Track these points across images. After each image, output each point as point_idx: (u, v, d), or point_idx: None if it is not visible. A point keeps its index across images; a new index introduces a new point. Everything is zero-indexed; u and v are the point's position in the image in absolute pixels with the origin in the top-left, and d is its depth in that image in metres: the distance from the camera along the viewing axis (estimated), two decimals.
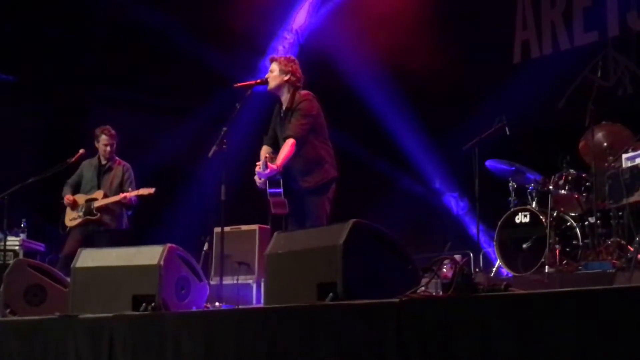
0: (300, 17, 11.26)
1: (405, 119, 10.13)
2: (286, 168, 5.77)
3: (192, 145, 10.18)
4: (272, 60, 6.05)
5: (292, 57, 6.14)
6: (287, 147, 5.75)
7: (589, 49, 8.91)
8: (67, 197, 7.85)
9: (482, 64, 9.76)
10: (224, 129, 5.87)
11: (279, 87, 5.95)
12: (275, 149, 6.03)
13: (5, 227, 7.88)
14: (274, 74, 5.96)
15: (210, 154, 5.87)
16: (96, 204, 7.78)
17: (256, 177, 5.90)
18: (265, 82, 6.05)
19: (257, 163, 5.90)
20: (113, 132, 7.99)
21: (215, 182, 6.20)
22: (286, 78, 5.95)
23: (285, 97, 5.98)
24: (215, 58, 10.76)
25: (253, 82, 6.09)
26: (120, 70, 11.29)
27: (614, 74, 8.62)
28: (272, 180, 5.76)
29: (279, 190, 5.77)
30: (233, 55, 10.69)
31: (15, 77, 11.20)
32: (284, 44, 11.26)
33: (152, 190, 7.68)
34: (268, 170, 5.67)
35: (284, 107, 6.00)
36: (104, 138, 7.96)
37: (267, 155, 5.82)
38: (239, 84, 6.12)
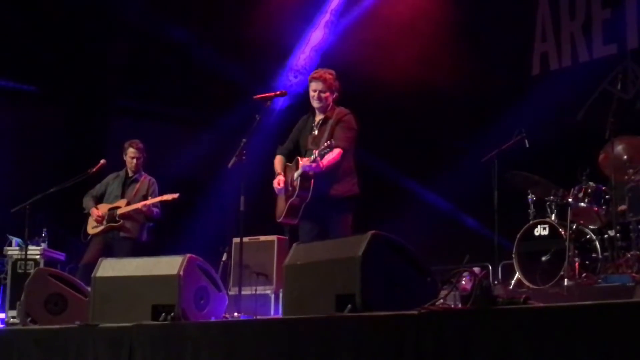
0: (318, 34, 11.28)
1: (424, 131, 10.14)
2: (328, 172, 5.78)
3: (212, 157, 10.23)
4: (319, 79, 5.96)
5: (332, 71, 6.12)
6: (335, 154, 5.75)
7: (608, 62, 8.89)
8: (93, 211, 7.89)
9: (501, 75, 9.76)
10: (243, 140, 5.90)
11: (328, 105, 5.98)
12: (289, 161, 6.05)
13: (26, 237, 7.95)
14: (325, 94, 5.93)
15: (229, 165, 5.90)
16: (119, 211, 7.83)
17: (275, 182, 5.93)
18: (285, 94, 6.09)
19: (278, 178, 5.92)
20: (141, 145, 8.05)
21: (234, 193, 6.22)
22: (334, 96, 6.00)
23: (325, 113, 6.00)
24: (235, 70, 10.82)
25: (272, 93, 6.13)
26: (141, 82, 11.38)
27: (633, 87, 8.60)
28: (305, 180, 5.76)
29: (307, 193, 5.76)
30: (252, 67, 10.74)
31: (38, 88, 11.32)
32: (303, 60, 11.28)
33: (175, 195, 7.73)
34: (314, 165, 5.63)
35: (318, 118, 6.01)
36: (131, 151, 8.02)
37: (300, 158, 5.81)
38: (259, 96, 6.15)
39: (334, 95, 5.99)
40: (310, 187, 5.77)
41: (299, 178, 5.78)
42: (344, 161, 5.83)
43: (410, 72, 9.99)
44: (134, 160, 8.02)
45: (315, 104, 5.98)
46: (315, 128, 5.99)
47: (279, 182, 5.95)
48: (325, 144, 5.65)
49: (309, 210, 5.81)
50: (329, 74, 6.03)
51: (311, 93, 5.98)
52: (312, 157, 5.67)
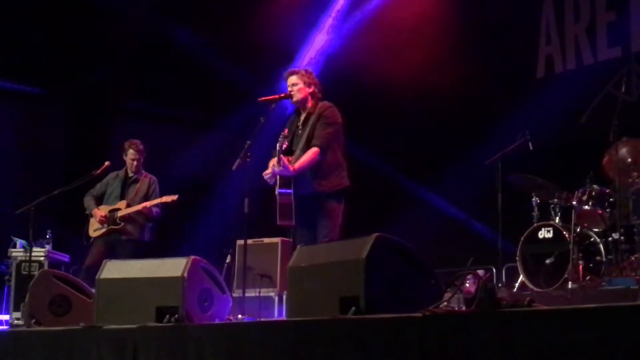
0: (323, 37, 11.28)
1: (428, 133, 10.13)
2: (302, 173, 5.79)
3: (216, 159, 10.25)
4: (292, 74, 6.07)
5: (310, 69, 6.20)
6: (310, 154, 5.78)
7: (612, 64, 8.86)
8: (96, 212, 7.90)
9: (506, 78, 9.75)
10: (248, 142, 5.91)
11: (305, 99, 6.00)
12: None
13: (30, 238, 7.96)
14: (299, 86, 5.99)
15: (234, 167, 5.92)
16: (119, 214, 7.84)
17: (265, 174, 5.91)
18: (290, 97, 6.08)
19: (270, 165, 5.92)
20: (141, 147, 8.04)
21: (239, 195, 6.23)
22: (310, 90, 6.02)
23: (306, 109, 6.02)
24: (239, 72, 10.84)
25: (277, 96, 6.13)
26: (145, 83, 11.40)
27: (637, 89, 8.58)
28: (283, 179, 5.76)
29: (289, 190, 5.75)
30: (257, 69, 10.75)
31: (42, 90, 11.34)
32: (308, 63, 11.29)
33: (175, 197, 7.73)
34: (283, 169, 5.66)
35: (302, 116, 6.03)
36: (131, 152, 8.02)
37: (283, 157, 5.78)
38: (263, 98, 6.15)
39: (312, 89, 6.02)
40: (291, 183, 5.75)
41: (278, 177, 5.80)
42: (327, 156, 5.84)
43: (414, 75, 10.00)
44: (134, 162, 8.02)
45: (293, 100, 6.03)
46: (300, 126, 6.02)
47: (266, 172, 5.94)
48: (282, 135, 5.72)
49: (301, 214, 5.81)
50: (302, 69, 6.17)
51: (288, 90, 6.05)
52: (276, 157, 5.71)
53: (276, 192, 5.86)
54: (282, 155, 5.70)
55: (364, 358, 3.40)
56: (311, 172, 5.82)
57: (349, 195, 6.01)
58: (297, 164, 5.74)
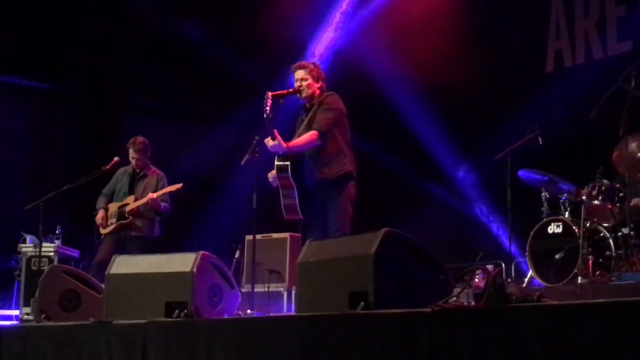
0: (332, 32, 11.27)
1: (437, 129, 10.13)
2: (303, 161, 5.79)
3: (225, 154, 10.26)
4: (300, 67, 6.06)
5: (317, 63, 6.20)
6: (307, 135, 5.80)
7: (622, 59, 8.83)
8: (100, 213, 7.91)
9: (515, 73, 9.74)
10: (256, 137, 5.91)
11: (313, 94, 6.00)
12: (292, 161, 6.02)
13: (40, 234, 7.98)
14: (308, 81, 5.99)
15: (242, 162, 5.92)
16: (128, 208, 7.85)
17: (269, 175, 5.93)
18: (298, 92, 6.07)
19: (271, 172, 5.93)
20: (140, 146, 7.98)
21: (247, 190, 6.23)
22: (319, 85, 6.02)
23: (312, 102, 6.04)
24: (248, 67, 10.84)
25: (285, 91, 6.12)
26: (154, 79, 11.41)
27: None
28: (280, 164, 5.77)
29: (286, 174, 5.75)
30: (266, 64, 10.76)
31: (51, 85, 11.36)
32: (317, 58, 11.29)
33: (179, 185, 7.75)
34: (276, 145, 5.67)
35: (308, 108, 6.06)
36: (130, 152, 8.02)
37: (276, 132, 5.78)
38: (272, 93, 6.15)
39: (319, 84, 6.03)
40: (288, 171, 5.76)
41: (275, 163, 5.83)
42: (328, 143, 5.85)
43: (424, 71, 9.99)
44: (133, 160, 8.03)
45: (301, 96, 6.03)
46: (307, 114, 6.04)
47: (271, 173, 5.97)
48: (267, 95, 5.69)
49: (310, 208, 5.82)
50: (311, 62, 6.15)
51: (296, 84, 6.04)
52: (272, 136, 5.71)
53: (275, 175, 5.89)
54: (275, 130, 5.69)
55: (373, 353, 3.39)
56: (313, 161, 5.84)
57: (357, 185, 6.00)
58: (292, 142, 5.77)
